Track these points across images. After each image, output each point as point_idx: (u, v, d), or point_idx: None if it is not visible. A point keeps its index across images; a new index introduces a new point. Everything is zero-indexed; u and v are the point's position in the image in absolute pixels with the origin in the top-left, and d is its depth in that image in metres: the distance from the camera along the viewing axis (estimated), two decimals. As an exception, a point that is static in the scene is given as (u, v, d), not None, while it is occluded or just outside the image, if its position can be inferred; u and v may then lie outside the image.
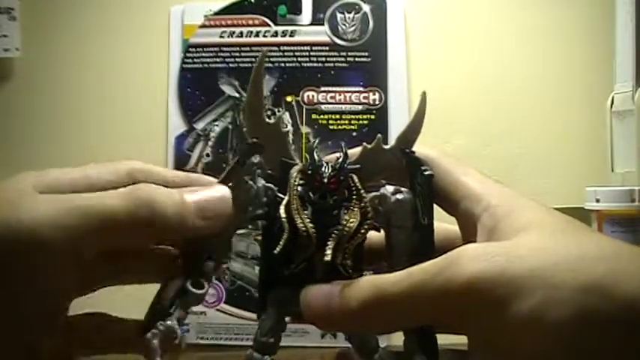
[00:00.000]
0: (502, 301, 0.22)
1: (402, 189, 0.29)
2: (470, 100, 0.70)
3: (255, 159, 0.29)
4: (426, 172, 0.28)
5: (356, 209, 0.27)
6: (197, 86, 0.68)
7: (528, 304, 0.21)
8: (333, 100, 0.67)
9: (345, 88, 0.67)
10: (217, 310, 0.65)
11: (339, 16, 0.69)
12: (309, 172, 0.27)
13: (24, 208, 0.24)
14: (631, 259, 0.22)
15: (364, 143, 0.29)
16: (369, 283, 0.25)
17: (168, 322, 0.27)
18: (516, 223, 0.24)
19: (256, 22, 0.69)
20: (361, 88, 0.67)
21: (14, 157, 0.72)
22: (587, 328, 0.20)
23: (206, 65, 0.69)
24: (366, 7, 0.68)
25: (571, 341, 0.21)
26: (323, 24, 0.68)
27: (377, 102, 0.67)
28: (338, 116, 0.67)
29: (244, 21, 0.69)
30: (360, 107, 0.67)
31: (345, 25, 0.68)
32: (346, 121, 0.67)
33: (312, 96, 0.67)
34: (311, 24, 0.69)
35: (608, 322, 0.20)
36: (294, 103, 0.67)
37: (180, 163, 0.67)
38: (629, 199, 0.55)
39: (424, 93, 0.29)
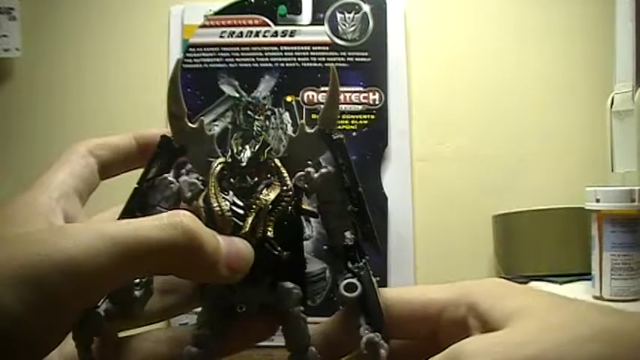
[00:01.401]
0: None
1: (327, 165, 0.29)
2: (470, 100, 0.70)
3: (179, 159, 0.29)
4: (335, 137, 0.29)
5: (276, 186, 0.28)
6: (197, 86, 0.68)
7: None
8: (333, 100, 0.67)
9: (345, 88, 0.67)
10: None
11: (339, 16, 0.68)
12: (229, 160, 0.28)
13: (59, 243, 0.23)
14: (620, 335, 0.23)
15: (289, 133, 0.30)
16: None
17: None
18: (506, 309, 0.25)
19: (256, 22, 0.69)
20: (361, 88, 0.67)
21: (14, 157, 0.72)
22: None
23: (206, 65, 0.68)
24: (366, 7, 0.68)
25: None
26: (323, 24, 0.68)
27: (377, 102, 0.67)
28: (338, 116, 0.67)
29: (244, 21, 0.69)
30: (360, 107, 0.67)
31: (345, 25, 0.68)
32: (346, 121, 0.67)
33: (312, 96, 0.67)
34: (311, 24, 0.69)
35: None
36: (294, 103, 0.67)
37: (180, 163, 0.67)
38: (629, 199, 0.55)
39: (332, 66, 0.29)
